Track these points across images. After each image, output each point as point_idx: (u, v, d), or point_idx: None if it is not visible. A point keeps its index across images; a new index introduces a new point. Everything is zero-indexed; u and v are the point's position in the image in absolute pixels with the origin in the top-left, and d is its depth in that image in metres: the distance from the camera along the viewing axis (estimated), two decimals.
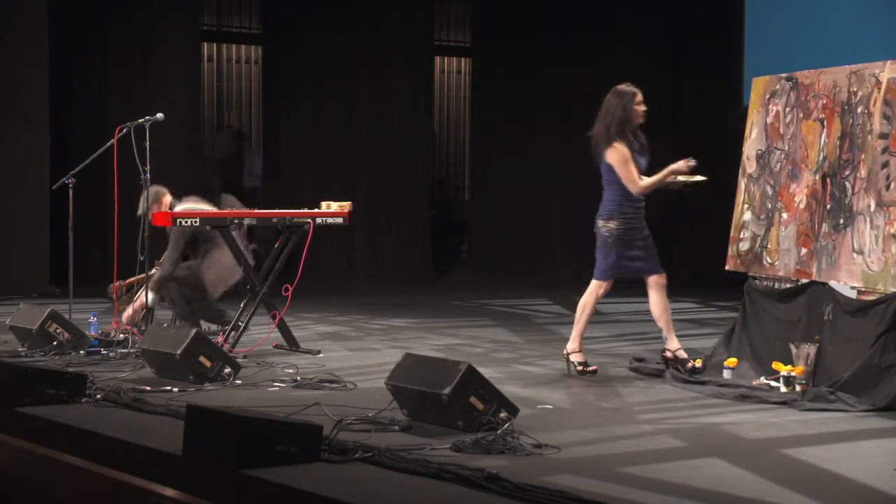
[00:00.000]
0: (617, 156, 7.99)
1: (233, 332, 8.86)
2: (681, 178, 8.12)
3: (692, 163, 8.09)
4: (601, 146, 8.06)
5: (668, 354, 8.05)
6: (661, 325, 8.13)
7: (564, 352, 8.25)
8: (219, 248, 9.28)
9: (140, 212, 9.11)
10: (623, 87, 8.11)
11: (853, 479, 5.28)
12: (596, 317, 11.81)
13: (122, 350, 8.55)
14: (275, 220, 9.13)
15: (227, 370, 7.57)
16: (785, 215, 7.91)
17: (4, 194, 13.02)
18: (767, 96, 8.22)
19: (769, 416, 6.71)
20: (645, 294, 8.14)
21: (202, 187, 14.26)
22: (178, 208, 9.07)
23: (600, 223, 8.12)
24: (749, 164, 8.34)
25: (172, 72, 14.06)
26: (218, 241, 9.24)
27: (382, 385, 6.56)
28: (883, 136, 7.13)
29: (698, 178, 8.11)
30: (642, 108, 8.08)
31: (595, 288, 8.22)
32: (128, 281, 9.40)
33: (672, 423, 6.55)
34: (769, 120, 8.15)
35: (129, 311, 9.11)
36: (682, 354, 8.03)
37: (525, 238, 15.92)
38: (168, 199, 9.29)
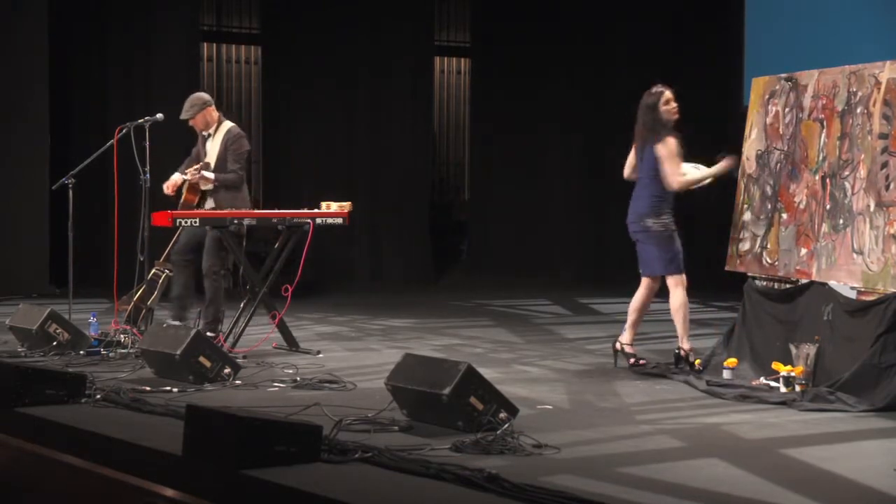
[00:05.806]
0: (666, 150, 8.10)
1: (231, 332, 8.86)
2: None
3: (732, 163, 8.26)
4: (648, 140, 8.15)
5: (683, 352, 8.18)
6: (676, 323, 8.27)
7: (618, 346, 8.34)
8: None
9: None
10: (652, 89, 8.25)
11: (853, 479, 5.28)
12: (595, 317, 11.89)
13: (122, 350, 8.55)
14: (275, 220, 9.13)
15: (227, 370, 7.58)
16: (785, 215, 7.91)
17: (4, 194, 13.02)
18: (767, 96, 8.22)
19: (769, 416, 6.71)
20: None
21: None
22: None
23: (650, 221, 8.18)
24: (749, 165, 8.34)
25: (172, 72, 14.05)
26: None
27: (382, 385, 6.56)
28: (883, 136, 7.13)
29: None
30: (671, 106, 8.19)
31: (652, 285, 8.34)
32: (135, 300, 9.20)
33: (672, 423, 6.55)
34: (769, 120, 8.14)
35: None
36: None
37: (525, 238, 15.91)
38: None
